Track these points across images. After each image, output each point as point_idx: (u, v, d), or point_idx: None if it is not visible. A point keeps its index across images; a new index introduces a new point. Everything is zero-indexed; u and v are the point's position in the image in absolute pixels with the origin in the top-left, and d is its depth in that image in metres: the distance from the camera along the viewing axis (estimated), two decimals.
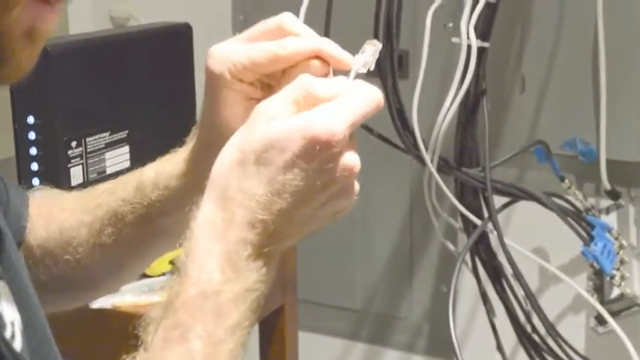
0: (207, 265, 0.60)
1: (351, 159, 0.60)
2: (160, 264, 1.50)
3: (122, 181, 0.79)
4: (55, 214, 0.82)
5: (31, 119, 1.26)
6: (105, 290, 0.90)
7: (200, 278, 0.60)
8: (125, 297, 1.41)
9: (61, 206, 0.83)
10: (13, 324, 0.60)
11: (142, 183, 0.77)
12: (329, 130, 0.59)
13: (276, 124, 0.60)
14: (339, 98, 0.61)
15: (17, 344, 0.60)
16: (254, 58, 0.67)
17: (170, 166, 0.76)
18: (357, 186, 0.63)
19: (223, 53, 0.68)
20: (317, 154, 0.59)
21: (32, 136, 1.27)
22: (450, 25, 1.54)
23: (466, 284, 1.61)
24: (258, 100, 0.65)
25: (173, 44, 1.44)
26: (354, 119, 0.60)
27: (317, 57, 0.66)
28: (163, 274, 1.48)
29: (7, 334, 0.59)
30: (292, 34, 0.67)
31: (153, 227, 0.78)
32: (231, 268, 0.60)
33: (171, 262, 1.51)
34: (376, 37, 1.37)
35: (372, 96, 0.62)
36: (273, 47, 0.67)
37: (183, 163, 0.75)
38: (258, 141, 0.60)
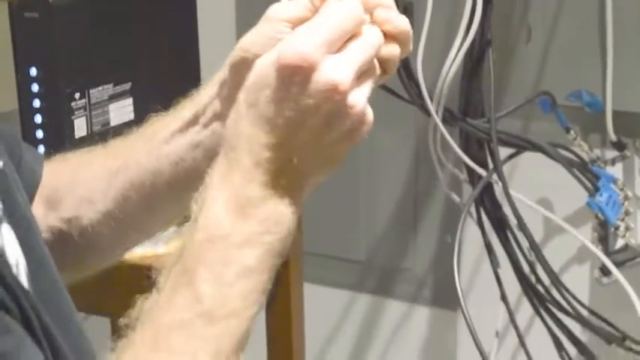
0: (214, 210, 0.60)
1: (328, 77, 0.58)
2: None
3: (141, 142, 0.80)
4: (79, 173, 0.83)
5: (33, 71, 1.25)
6: (124, 248, 0.90)
7: (207, 223, 0.60)
8: (131, 250, 1.42)
9: (86, 163, 0.83)
10: (17, 265, 0.60)
11: (158, 146, 0.78)
12: (298, 54, 0.58)
13: (256, 64, 0.61)
14: (313, 19, 0.61)
15: (24, 282, 0.61)
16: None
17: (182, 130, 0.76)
18: (368, 113, 0.61)
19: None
20: (294, 81, 0.58)
21: (35, 88, 1.27)
22: None
23: (471, 235, 1.61)
24: None
25: None
26: (328, 37, 0.59)
27: None
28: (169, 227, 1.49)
29: (13, 270, 0.59)
30: None
31: (176, 190, 0.78)
32: (239, 210, 0.60)
33: None
34: None
35: (348, 9, 0.60)
36: None
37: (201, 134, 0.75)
38: (245, 86, 0.61)
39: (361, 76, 0.61)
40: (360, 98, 0.60)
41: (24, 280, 0.62)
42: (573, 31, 1.51)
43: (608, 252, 1.47)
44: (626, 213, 1.45)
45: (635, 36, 1.45)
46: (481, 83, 1.45)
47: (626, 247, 1.46)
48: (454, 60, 1.37)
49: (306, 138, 0.60)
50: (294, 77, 0.58)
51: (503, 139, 1.44)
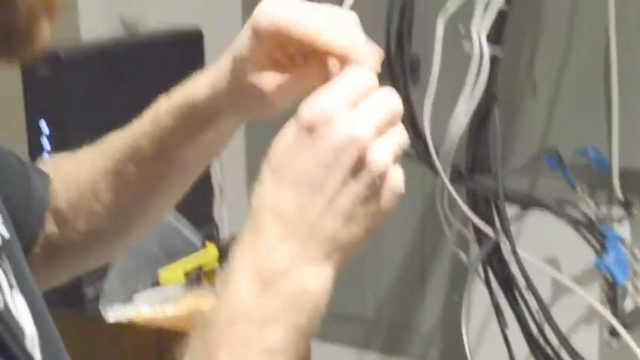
0: (236, 285, 0.57)
1: (345, 132, 0.57)
2: (174, 274, 1.51)
3: (138, 119, 0.81)
4: (74, 173, 0.84)
5: (43, 124, 1.27)
6: (133, 235, 0.89)
7: (229, 300, 0.57)
8: (139, 307, 1.42)
9: (79, 163, 0.84)
10: (32, 338, 0.59)
11: (156, 115, 0.78)
12: (316, 111, 0.58)
13: (277, 136, 0.60)
14: (329, 84, 0.61)
15: (37, 357, 0.60)
16: (302, 39, 0.66)
17: (183, 94, 0.76)
18: (394, 175, 0.60)
19: (271, 9, 0.69)
20: (313, 137, 0.58)
21: (45, 141, 1.28)
22: (461, 27, 1.52)
23: (478, 294, 1.59)
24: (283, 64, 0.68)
25: (184, 49, 1.45)
26: (345, 95, 0.59)
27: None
28: (177, 283, 1.49)
29: (28, 345, 0.58)
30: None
31: (170, 160, 0.78)
32: (261, 284, 0.57)
33: (186, 273, 1.52)
34: (388, 41, 1.37)
35: (362, 72, 0.61)
36: (329, 37, 0.65)
37: (197, 89, 0.75)
38: (268, 154, 0.61)
39: (385, 134, 0.60)
40: (382, 156, 0.58)
41: (37, 353, 0.61)
42: (579, 88, 1.51)
43: (617, 313, 1.45)
44: (635, 274, 1.43)
45: None
46: (488, 140, 1.45)
47: (635, 308, 1.44)
48: (461, 116, 1.38)
49: (328, 197, 0.58)
50: (313, 133, 0.58)
51: (510, 197, 1.43)
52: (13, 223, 0.75)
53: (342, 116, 0.58)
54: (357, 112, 0.59)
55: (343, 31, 0.65)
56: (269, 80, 0.70)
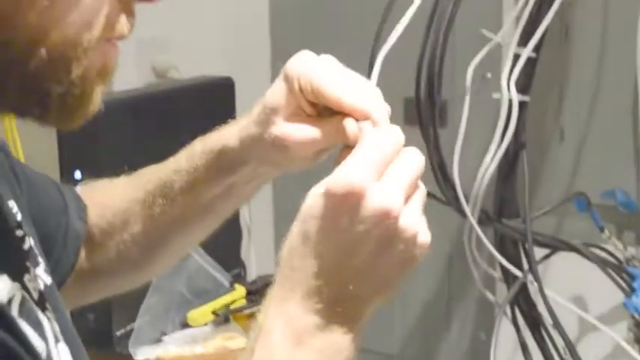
0: (271, 340, 0.60)
1: (378, 203, 0.59)
2: (203, 315, 1.52)
3: (176, 156, 0.83)
4: (108, 201, 0.86)
5: (78, 174, 1.28)
6: (157, 268, 0.92)
7: (263, 354, 0.60)
8: (168, 348, 1.43)
9: (113, 192, 0.87)
10: None
11: (192, 151, 0.81)
12: (346, 183, 0.59)
13: (308, 197, 0.62)
14: (356, 150, 0.62)
15: None
16: (319, 88, 0.70)
17: (216, 135, 0.80)
18: (422, 234, 0.61)
19: (304, 63, 0.72)
20: (344, 209, 0.59)
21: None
22: (489, 75, 1.54)
23: (504, 333, 1.60)
24: (311, 117, 0.71)
25: (215, 98, 1.46)
26: (374, 164, 0.60)
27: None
28: (205, 324, 1.50)
29: None
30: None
31: (198, 199, 0.81)
32: (295, 340, 0.60)
33: (214, 313, 1.53)
34: (418, 87, 1.38)
35: (389, 135, 0.63)
36: (342, 93, 0.69)
37: (229, 133, 0.78)
38: (297, 219, 0.62)
39: (409, 197, 0.62)
40: (411, 221, 0.61)
41: None
42: (606, 131, 1.52)
43: None
44: None
45: None
46: (515, 184, 1.46)
47: None
48: (490, 164, 1.39)
49: (360, 265, 0.61)
50: (343, 206, 0.59)
51: (538, 240, 1.44)
52: (51, 255, 0.78)
53: (373, 189, 0.59)
54: (386, 182, 0.60)
55: (368, 97, 0.69)
56: (294, 132, 0.73)
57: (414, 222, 0.61)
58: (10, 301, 0.55)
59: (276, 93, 0.73)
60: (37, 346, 0.54)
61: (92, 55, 0.55)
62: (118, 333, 1.48)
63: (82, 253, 0.85)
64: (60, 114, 0.56)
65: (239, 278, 1.66)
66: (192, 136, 0.77)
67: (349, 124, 0.67)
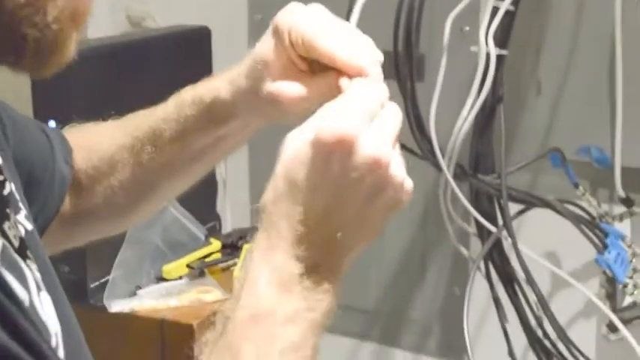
0: (257, 288, 0.60)
1: (370, 152, 0.60)
2: (178, 268, 1.52)
3: (163, 104, 0.83)
4: (94, 145, 0.86)
5: (52, 124, 1.26)
6: (141, 214, 0.92)
7: (250, 301, 0.60)
8: (143, 301, 1.43)
9: (100, 136, 0.87)
10: (57, 334, 0.61)
11: (181, 100, 0.81)
12: (337, 131, 0.59)
13: (287, 140, 0.62)
14: (342, 97, 0.63)
15: (60, 353, 0.61)
16: (311, 43, 0.69)
17: (206, 86, 0.79)
18: (407, 181, 0.62)
19: (294, 16, 0.71)
20: (335, 158, 0.59)
21: None
22: (467, 28, 1.53)
23: (478, 287, 1.61)
24: (303, 72, 0.71)
25: (191, 46, 1.44)
26: (362, 114, 0.61)
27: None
28: (180, 277, 1.50)
29: (53, 343, 0.60)
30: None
31: (187, 148, 0.81)
32: (282, 287, 0.60)
33: (189, 266, 1.53)
34: (395, 40, 1.37)
35: (374, 88, 0.64)
36: (334, 47, 0.68)
37: (220, 84, 0.78)
38: (282, 163, 0.62)
39: (394, 147, 0.62)
40: (400, 168, 0.62)
41: (61, 348, 0.62)
42: (583, 88, 1.52)
43: (615, 309, 1.47)
44: (634, 270, 1.45)
45: None
46: (492, 138, 1.46)
47: (634, 304, 1.46)
48: (467, 118, 1.38)
49: (349, 212, 0.61)
50: (335, 154, 0.59)
51: (512, 196, 1.45)
52: (36, 199, 0.78)
53: (364, 138, 0.60)
54: (375, 132, 0.61)
55: (361, 51, 0.68)
56: (286, 89, 0.73)
57: (402, 169, 0.62)
58: None
59: (266, 47, 0.73)
60: (20, 294, 0.53)
61: None
62: (93, 285, 1.47)
63: (67, 198, 0.85)
64: (34, 60, 0.55)
65: (214, 231, 1.65)
66: (168, 86, 0.76)
67: (344, 83, 0.67)
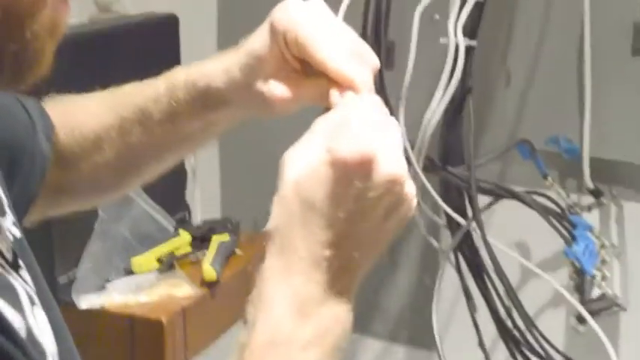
0: (274, 312, 0.59)
1: (389, 170, 0.59)
2: (147, 261, 1.50)
3: (151, 82, 0.81)
4: (79, 123, 0.84)
5: None
6: (126, 189, 0.92)
7: (267, 326, 0.59)
8: (112, 296, 1.41)
9: (84, 113, 0.85)
10: (53, 357, 0.60)
11: (172, 83, 0.79)
12: (357, 151, 0.58)
13: (297, 162, 0.60)
14: (346, 113, 0.62)
15: None
16: (305, 48, 0.68)
17: (200, 70, 0.78)
18: (410, 189, 0.62)
19: (292, 17, 0.69)
20: (357, 177, 0.58)
21: None
22: (437, 16, 1.52)
23: (448, 278, 1.62)
24: (297, 73, 0.70)
25: (159, 35, 1.42)
26: (375, 131, 0.60)
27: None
28: (150, 271, 1.48)
29: None
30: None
31: (176, 130, 0.80)
32: (300, 312, 0.59)
33: (159, 260, 1.51)
34: (364, 27, 1.36)
35: (374, 101, 0.64)
36: (327, 55, 0.67)
37: (215, 72, 0.76)
38: (292, 185, 0.60)
39: None
40: (412, 185, 0.61)
41: None
42: (552, 79, 1.52)
43: (584, 300, 1.47)
44: (603, 262, 1.46)
45: (613, 84, 1.47)
46: (461, 130, 1.46)
47: (602, 296, 1.47)
48: (436, 109, 1.38)
49: (367, 231, 0.60)
50: (356, 174, 0.58)
51: (482, 188, 1.45)
52: (16, 178, 0.77)
53: (381, 157, 0.59)
54: (390, 150, 0.60)
55: (354, 61, 0.67)
56: (276, 90, 0.72)
57: (413, 186, 0.62)
58: None
59: (262, 43, 0.72)
60: (15, 323, 0.52)
61: (45, 11, 0.54)
62: (61, 280, 1.45)
63: (54, 168, 0.83)
64: (12, 74, 0.55)
65: (183, 222, 1.64)
66: (135, 72, 0.76)
67: (334, 96, 0.66)
